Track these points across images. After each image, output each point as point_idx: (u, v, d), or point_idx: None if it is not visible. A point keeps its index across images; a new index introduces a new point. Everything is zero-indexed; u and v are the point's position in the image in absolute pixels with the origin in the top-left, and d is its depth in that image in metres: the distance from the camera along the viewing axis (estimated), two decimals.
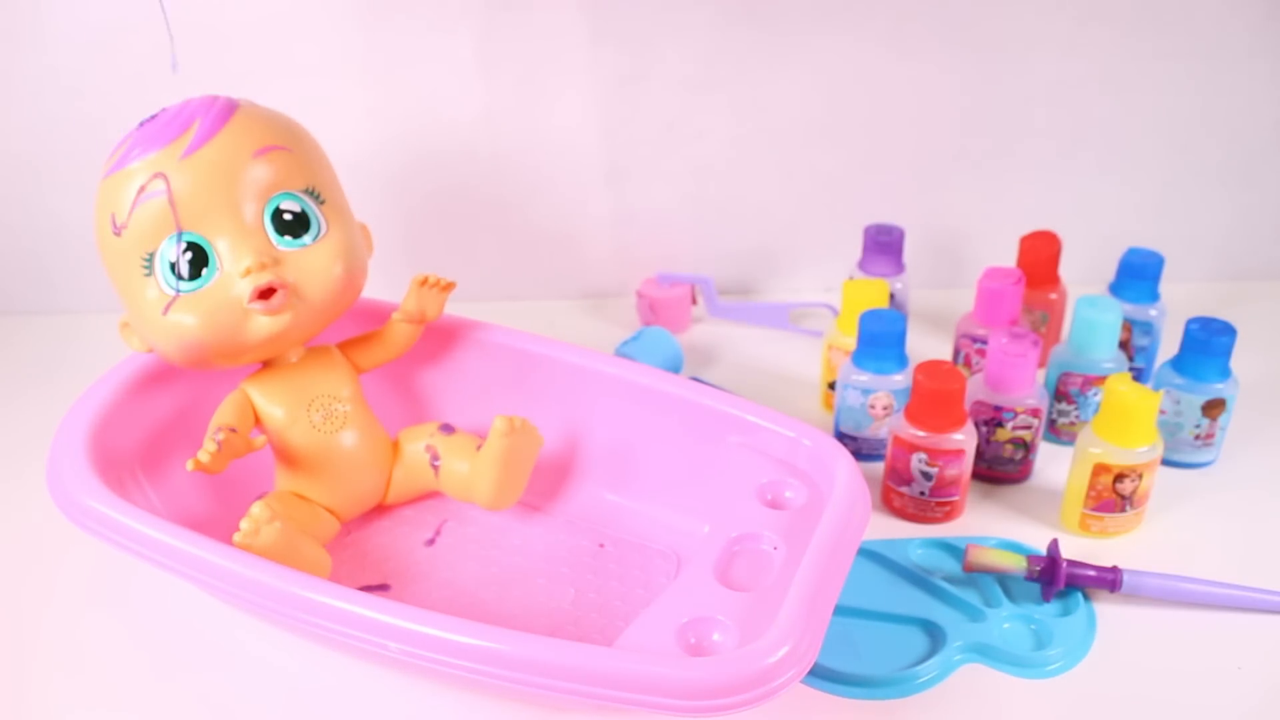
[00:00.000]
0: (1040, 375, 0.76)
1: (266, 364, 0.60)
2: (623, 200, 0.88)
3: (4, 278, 0.89)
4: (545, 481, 0.65)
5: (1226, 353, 0.65)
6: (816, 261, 0.91)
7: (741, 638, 0.46)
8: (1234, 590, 0.57)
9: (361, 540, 0.63)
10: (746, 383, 0.79)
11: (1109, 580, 0.57)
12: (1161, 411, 0.67)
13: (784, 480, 0.56)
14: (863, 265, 0.82)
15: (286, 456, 0.60)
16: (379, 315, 0.66)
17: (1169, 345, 0.73)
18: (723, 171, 0.87)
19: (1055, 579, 0.57)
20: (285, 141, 0.56)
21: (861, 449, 0.69)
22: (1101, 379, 0.67)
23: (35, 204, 0.86)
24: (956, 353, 0.75)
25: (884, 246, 0.80)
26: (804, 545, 0.51)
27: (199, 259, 0.54)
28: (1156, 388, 0.66)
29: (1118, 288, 0.74)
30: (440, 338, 0.68)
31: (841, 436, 0.70)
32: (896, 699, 0.52)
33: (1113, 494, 0.61)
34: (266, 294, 0.54)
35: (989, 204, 0.89)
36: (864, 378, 0.67)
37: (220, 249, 0.54)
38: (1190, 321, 0.65)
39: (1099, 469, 0.60)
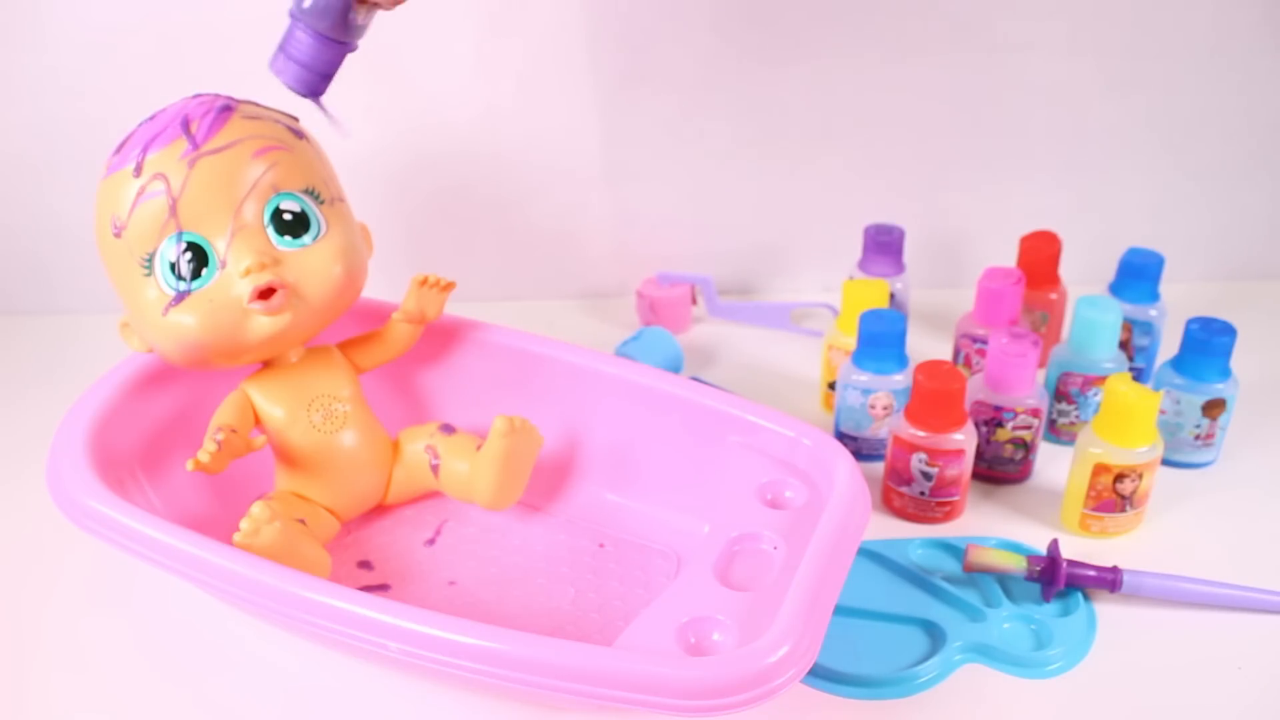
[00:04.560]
0: (1040, 375, 0.76)
1: (266, 364, 0.60)
2: (623, 200, 0.88)
3: (4, 278, 0.89)
4: (545, 481, 0.65)
5: (1226, 353, 0.65)
6: (816, 261, 0.91)
7: (741, 638, 0.46)
8: (1234, 590, 0.57)
9: (361, 540, 0.63)
10: (746, 383, 0.79)
11: (1109, 580, 0.57)
12: (1161, 411, 0.67)
13: (784, 480, 0.56)
14: (863, 265, 0.82)
15: (286, 456, 0.60)
16: (379, 315, 0.66)
17: (1169, 345, 0.73)
18: (723, 171, 0.87)
19: (1055, 579, 0.57)
20: (285, 141, 0.56)
21: (861, 449, 0.69)
22: (1101, 379, 0.67)
23: (35, 204, 0.86)
24: (956, 353, 0.75)
25: (884, 246, 0.80)
26: (804, 545, 0.51)
27: (199, 259, 0.54)
28: (1156, 388, 0.66)
29: (1118, 288, 0.74)
30: (440, 338, 0.68)
31: (841, 436, 0.70)
32: (896, 699, 0.52)
33: (1113, 494, 0.61)
34: (266, 294, 0.54)
35: (989, 204, 0.89)
36: (864, 378, 0.67)
37: (220, 249, 0.54)
38: (1190, 321, 0.65)
39: (1099, 469, 0.60)
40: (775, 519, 0.54)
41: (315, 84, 0.47)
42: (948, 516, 0.64)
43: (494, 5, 0.79)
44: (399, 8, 0.48)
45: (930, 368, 0.62)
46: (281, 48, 0.46)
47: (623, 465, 0.64)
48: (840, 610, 0.56)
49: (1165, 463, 0.67)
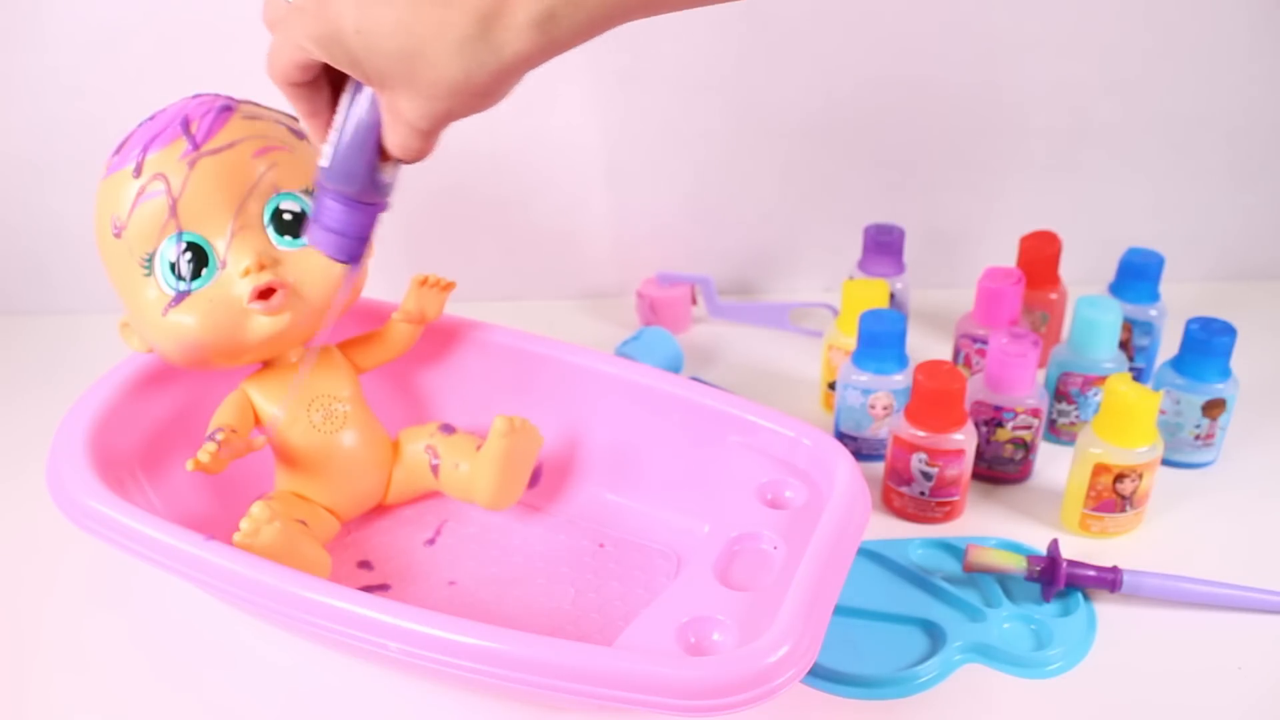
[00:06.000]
0: (1040, 375, 0.76)
1: (266, 364, 0.60)
2: (623, 200, 0.88)
3: (4, 278, 0.89)
4: (545, 481, 0.65)
5: (1226, 353, 0.65)
6: (816, 261, 0.91)
7: (741, 637, 0.46)
8: (1234, 590, 0.57)
9: (361, 540, 0.63)
10: (746, 383, 0.79)
11: (1109, 580, 0.57)
12: (1161, 411, 0.67)
13: (784, 480, 0.56)
14: (863, 265, 0.82)
15: (286, 456, 0.60)
16: (379, 315, 0.66)
17: (1169, 345, 0.73)
18: (723, 171, 0.87)
19: (1055, 579, 0.57)
20: (285, 141, 0.56)
21: (861, 449, 0.69)
22: (1101, 379, 0.67)
23: (35, 204, 0.86)
24: (956, 353, 0.75)
25: (884, 246, 0.80)
26: (804, 545, 0.51)
27: (199, 259, 0.54)
28: (1156, 388, 0.66)
29: (1118, 288, 0.74)
30: (440, 338, 0.67)
31: (841, 436, 0.70)
32: (896, 699, 0.52)
33: (1113, 494, 0.61)
34: (266, 294, 0.54)
35: (989, 204, 0.89)
36: (864, 378, 0.67)
37: (220, 249, 0.54)
38: (1190, 321, 0.65)
39: (1099, 469, 0.60)
40: (775, 519, 0.54)
41: (354, 249, 0.47)
42: (948, 516, 0.64)
43: None
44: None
45: (930, 368, 0.62)
46: (315, 218, 0.46)
47: (623, 465, 0.64)
48: (840, 610, 0.56)
49: (1165, 463, 0.67)
